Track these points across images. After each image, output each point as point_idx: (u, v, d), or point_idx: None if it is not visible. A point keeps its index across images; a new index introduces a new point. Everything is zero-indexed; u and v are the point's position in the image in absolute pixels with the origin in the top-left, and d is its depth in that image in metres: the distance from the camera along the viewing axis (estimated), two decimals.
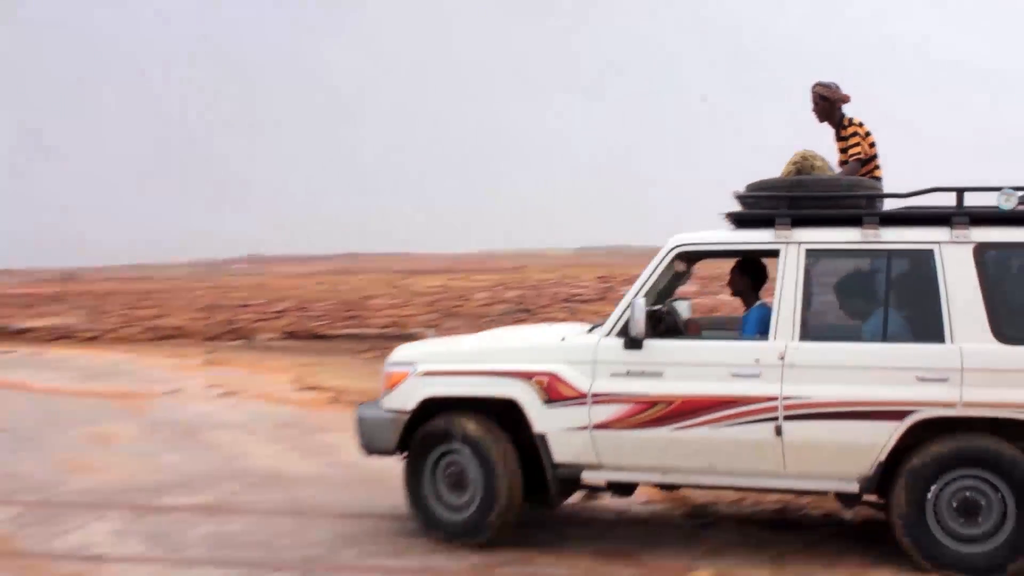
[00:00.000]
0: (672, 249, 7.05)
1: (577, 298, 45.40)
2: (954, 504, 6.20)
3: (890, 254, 6.65)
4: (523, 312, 38.12)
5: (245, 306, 45.95)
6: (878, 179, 7.94)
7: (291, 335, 32.93)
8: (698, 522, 8.05)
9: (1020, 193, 6.49)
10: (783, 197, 6.89)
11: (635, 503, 8.71)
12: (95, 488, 9.36)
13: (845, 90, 7.94)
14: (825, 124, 8.05)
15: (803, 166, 7.29)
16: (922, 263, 6.52)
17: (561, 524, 7.94)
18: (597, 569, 6.73)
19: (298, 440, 12.18)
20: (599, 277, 65.93)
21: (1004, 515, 6.04)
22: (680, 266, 7.25)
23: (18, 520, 8.12)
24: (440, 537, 7.24)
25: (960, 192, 6.63)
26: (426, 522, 7.35)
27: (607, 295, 46.98)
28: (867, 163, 7.89)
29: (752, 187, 7.18)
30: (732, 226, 7.23)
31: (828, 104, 7.91)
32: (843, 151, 7.88)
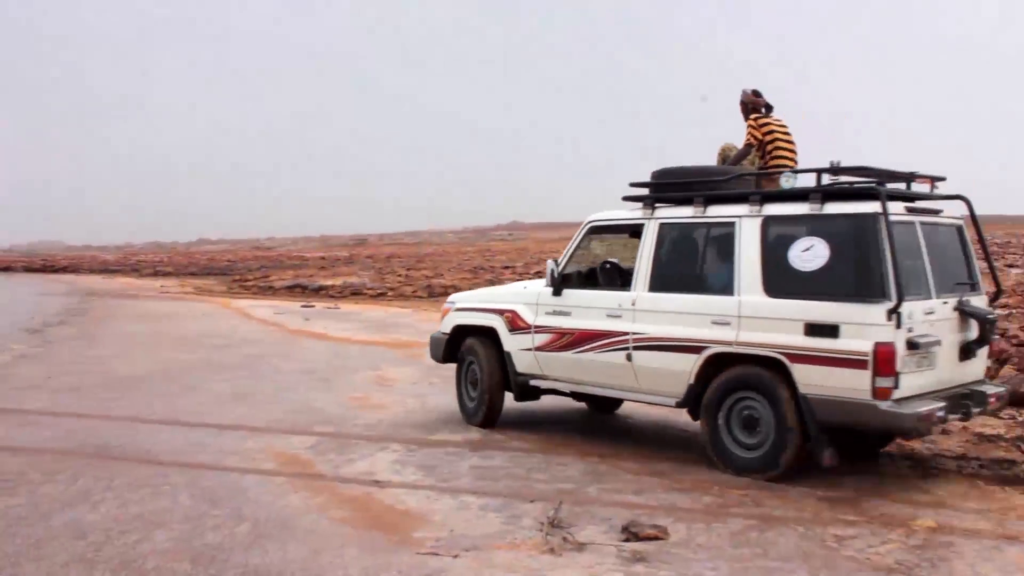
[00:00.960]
0: (587, 224, 9.05)
1: None
2: (739, 420, 7.53)
3: (710, 226, 7.91)
4: None
5: (507, 267, 47.00)
6: (778, 165, 8.53)
7: None
8: (922, 473, 7.74)
9: (798, 176, 7.65)
10: (648, 184, 8.49)
11: (860, 456, 8.48)
12: (378, 423, 9.87)
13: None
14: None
15: (724, 155, 9.04)
16: (728, 232, 7.69)
17: (790, 471, 7.82)
18: (822, 514, 6.60)
19: None
20: None
21: (769, 427, 7.29)
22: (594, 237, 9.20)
23: (315, 448, 8.66)
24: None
25: (758, 176, 8.22)
26: (462, 407, 10.06)
27: None
28: (754, 150, 8.79)
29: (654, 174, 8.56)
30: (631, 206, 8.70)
31: (743, 106, 9.01)
32: None
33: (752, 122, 8.83)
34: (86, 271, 68.15)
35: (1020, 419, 9.84)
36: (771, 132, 8.76)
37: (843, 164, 7.39)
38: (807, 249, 7.22)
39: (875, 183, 7.35)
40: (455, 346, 10.02)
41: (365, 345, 17.20)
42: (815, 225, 7.26)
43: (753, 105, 8.99)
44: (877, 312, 6.76)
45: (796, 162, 8.68)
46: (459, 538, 6.02)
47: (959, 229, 8.02)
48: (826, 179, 7.39)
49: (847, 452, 7.57)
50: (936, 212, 7.87)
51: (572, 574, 5.42)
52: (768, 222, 7.50)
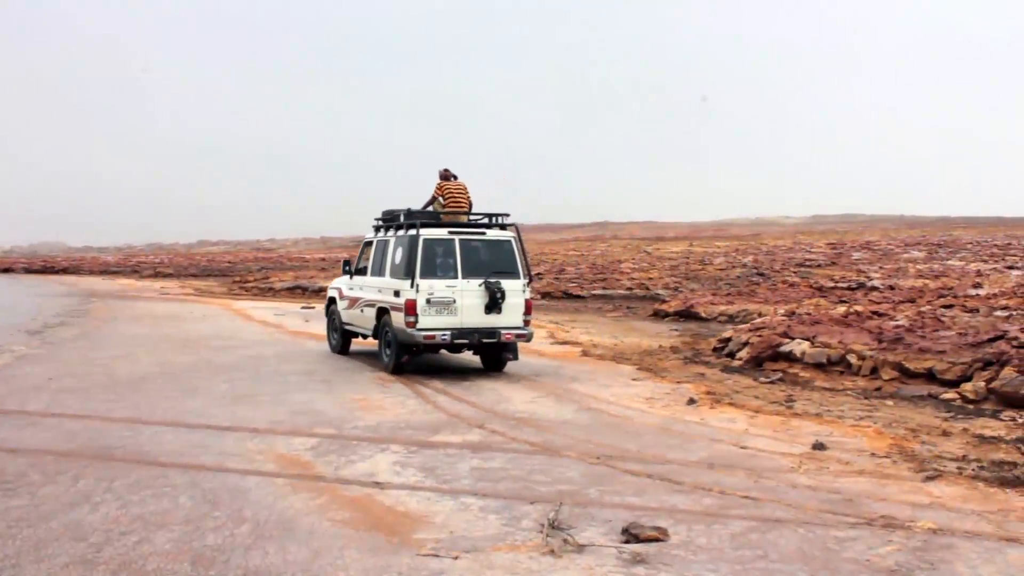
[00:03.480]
0: (365, 241, 16.10)
1: (809, 262, 43.95)
2: (384, 339, 14.34)
3: (400, 239, 14.18)
4: (758, 276, 37.26)
5: None
6: (454, 211, 14.55)
7: (547, 295, 33.49)
8: (923, 475, 7.75)
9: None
10: (382, 218, 15.45)
11: (862, 456, 8.49)
12: (379, 424, 9.88)
13: None
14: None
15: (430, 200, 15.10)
16: (411, 243, 13.59)
17: (793, 472, 7.83)
18: (823, 515, 6.61)
19: (552, 388, 12.46)
20: (829, 244, 63.64)
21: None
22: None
23: (316, 449, 8.67)
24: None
25: (405, 212, 14.48)
26: (329, 343, 17.50)
27: (838, 260, 45.26)
28: (437, 202, 14.87)
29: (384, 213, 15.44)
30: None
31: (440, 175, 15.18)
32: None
33: (438, 185, 14.95)
34: (87, 272, 68.20)
35: (1020, 421, 9.87)
36: (448, 192, 14.83)
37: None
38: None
39: (417, 223, 13.71)
40: (328, 307, 17.49)
41: (365, 347, 17.21)
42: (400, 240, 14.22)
43: (442, 175, 15.08)
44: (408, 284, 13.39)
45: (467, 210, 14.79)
46: (459, 539, 6.03)
47: (509, 241, 14.02)
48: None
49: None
50: (482, 233, 13.96)
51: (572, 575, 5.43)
52: (411, 237, 13.72)
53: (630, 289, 34.70)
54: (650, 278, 38.19)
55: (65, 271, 70.29)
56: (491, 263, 13.68)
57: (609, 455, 8.46)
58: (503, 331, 13.46)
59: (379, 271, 14.71)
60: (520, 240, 14.10)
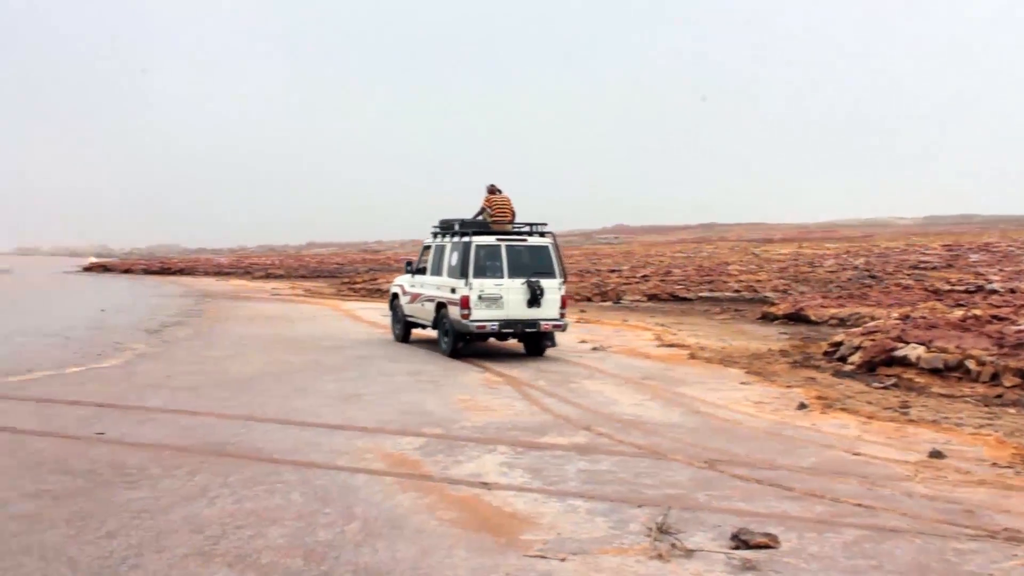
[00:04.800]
0: (425, 245, 18.35)
1: (924, 265, 42.69)
2: (443, 328, 16.61)
3: (455, 244, 16.45)
4: (870, 278, 36.36)
5: (613, 271, 46.81)
6: (500, 220, 16.96)
7: (653, 297, 33.25)
8: None
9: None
10: (439, 226, 17.84)
11: (983, 465, 8.21)
12: (486, 425, 9.95)
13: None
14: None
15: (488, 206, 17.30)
16: (465, 248, 15.93)
17: (909, 481, 7.63)
18: (942, 526, 6.41)
19: (659, 391, 12.37)
20: (945, 245, 61.72)
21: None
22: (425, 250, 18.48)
23: (424, 449, 8.77)
24: None
25: (459, 222, 16.99)
26: (393, 332, 20.10)
27: (954, 262, 43.87)
28: (485, 212, 17.12)
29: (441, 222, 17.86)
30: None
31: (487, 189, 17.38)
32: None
33: (487, 199, 17.20)
34: (201, 273, 70.23)
35: None
36: (496, 204, 17.09)
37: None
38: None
39: (470, 232, 16.29)
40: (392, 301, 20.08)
41: (481, 347, 17.35)
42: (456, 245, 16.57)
43: (490, 189, 17.30)
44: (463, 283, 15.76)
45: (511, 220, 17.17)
46: (566, 541, 6.03)
47: (547, 247, 16.43)
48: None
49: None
50: (524, 240, 16.39)
51: None
52: (468, 243, 15.99)
53: (737, 291, 34.24)
54: (758, 280, 37.62)
55: (181, 272, 72.49)
56: (532, 265, 16.16)
57: (717, 459, 8.36)
58: (542, 322, 16.04)
59: (437, 271, 17.30)
60: (556, 245, 16.65)
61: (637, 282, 39.04)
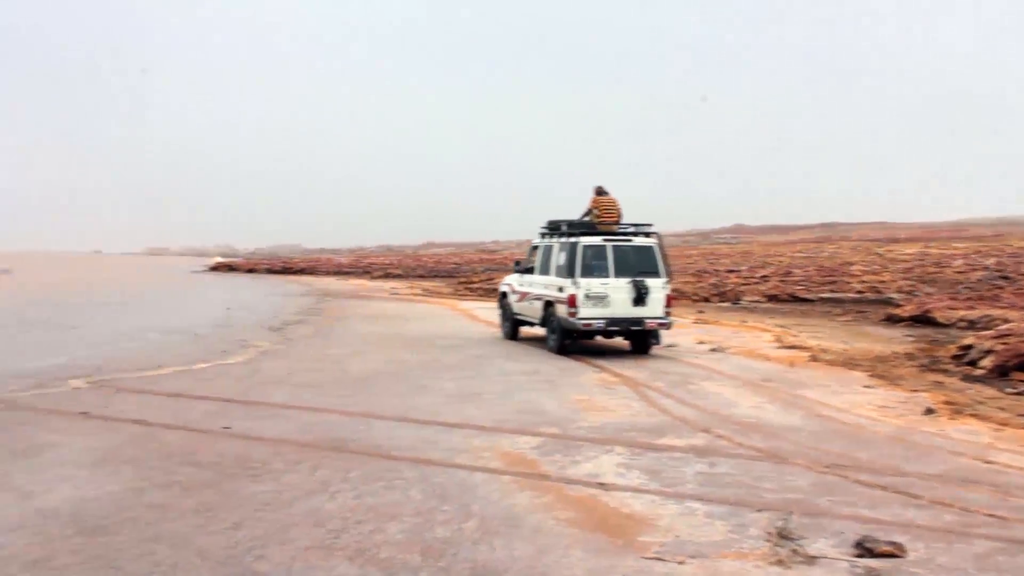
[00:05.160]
0: (533, 245, 18.84)
1: None
2: (551, 325, 17.22)
3: (563, 244, 16.95)
4: (1002, 279, 35.00)
5: (732, 271, 46.15)
6: (606, 221, 17.25)
7: (773, 298, 32.67)
8: None
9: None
10: (547, 227, 18.33)
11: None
12: (603, 426, 9.91)
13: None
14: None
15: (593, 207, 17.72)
16: (572, 248, 16.52)
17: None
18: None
19: (779, 393, 12.14)
20: None
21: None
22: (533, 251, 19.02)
23: (541, 448, 8.79)
24: None
25: (567, 223, 17.60)
26: (503, 330, 20.48)
27: None
28: (592, 213, 17.49)
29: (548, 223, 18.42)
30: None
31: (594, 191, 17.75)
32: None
33: (593, 200, 17.55)
34: (322, 273, 71.78)
35: None
36: (603, 206, 17.42)
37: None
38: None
39: (575, 232, 16.95)
40: (501, 300, 20.54)
41: (595, 346, 17.34)
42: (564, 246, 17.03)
43: (597, 191, 17.67)
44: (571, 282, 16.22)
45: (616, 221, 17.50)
46: (684, 544, 5.97)
47: (652, 247, 16.83)
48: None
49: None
50: (629, 240, 16.85)
51: None
52: (574, 243, 16.61)
53: (860, 292, 33.37)
54: (882, 281, 36.60)
55: (302, 272, 74.22)
56: (637, 264, 16.59)
57: (840, 464, 8.16)
58: (647, 320, 16.42)
59: (545, 270, 17.91)
60: (661, 246, 17.03)
61: (756, 282, 38.43)
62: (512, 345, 18.38)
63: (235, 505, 6.77)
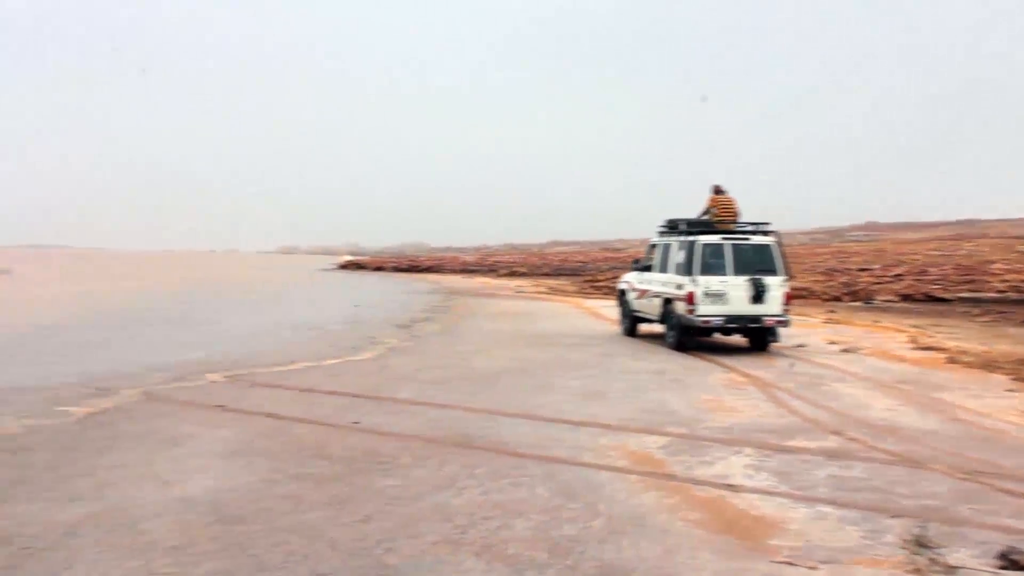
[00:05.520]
0: (651, 244, 19.26)
1: None
2: (671, 322, 17.45)
3: (681, 243, 17.16)
4: None
5: (863, 270, 44.91)
6: (724, 219, 17.47)
7: (907, 297, 31.66)
8: None
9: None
10: (665, 225, 18.64)
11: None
12: (732, 426, 9.76)
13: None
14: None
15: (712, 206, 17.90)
16: (690, 246, 16.70)
17: None
18: None
19: (915, 396, 11.75)
20: None
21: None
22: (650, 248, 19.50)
23: (667, 448, 8.71)
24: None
25: (685, 221, 17.84)
26: (621, 326, 20.91)
27: None
28: (710, 212, 17.70)
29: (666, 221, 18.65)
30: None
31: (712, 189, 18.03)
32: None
33: (711, 199, 17.77)
34: (448, 271, 72.70)
35: None
36: (721, 204, 17.62)
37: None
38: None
39: (694, 231, 17.25)
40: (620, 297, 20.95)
41: (720, 344, 17.12)
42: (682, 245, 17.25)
43: (715, 190, 17.92)
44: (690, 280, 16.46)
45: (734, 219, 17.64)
46: (816, 549, 5.83)
47: (770, 245, 16.89)
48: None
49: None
50: (747, 238, 16.93)
51: None
52: (691, 241, 16.86)
53: (1002, 292, 32.08)
54: None
55: (428, 270, 75.27)
56: (755, 262, 16.76)
57: (981, 471, 7.84)
58: (765, 318, 16.59)
59: (663, 268, 18.21)
60: (780, 244, 17.13)
61: (889, 281, 37.32)
62: (637, 343, 18.29)
63: (365, 498, 6.91)
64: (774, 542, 5.97)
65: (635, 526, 6.26)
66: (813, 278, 39.15)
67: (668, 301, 17.47)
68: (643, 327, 19.79)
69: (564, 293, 39.75)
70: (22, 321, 23.96)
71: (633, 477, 7.59)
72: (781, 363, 15.18)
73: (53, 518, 6.39)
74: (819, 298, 32.47)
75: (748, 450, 8.59)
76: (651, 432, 9.39)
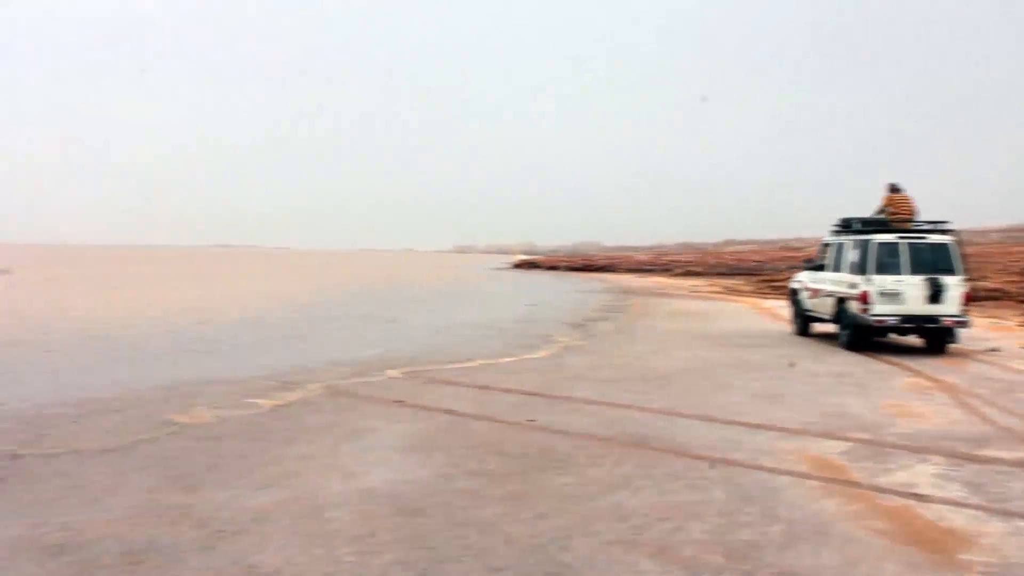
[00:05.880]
0: (824, 243, 19.34)
1: None
2: (842, 319, 17.54)
3: (856, 241, 17.17)
4: None
5: None
6: (900, 218, 17.36)
7: None
8: None
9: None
10: (839, 224, 18.54)
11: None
12: (918, 433, 9.36)
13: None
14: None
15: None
16: (864, 245, 16.73)
17: None
18: None
19: None
20: None
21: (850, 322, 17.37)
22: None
23: (849, 454, 8.41)
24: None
25: (859, 220, 17.90)
26: (793, 325, 20.97)
27: None
28: (885, 211, 17.68)
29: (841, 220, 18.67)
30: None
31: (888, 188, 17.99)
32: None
33: (887, 198, 17.66)
34: (621, 270, 72.53)
35: None
36: (898, 203, 17.50)
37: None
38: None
39: (869, 229, 17.24)
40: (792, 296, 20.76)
41: (900, 347, 16.47)
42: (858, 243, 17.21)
43: (891, 188, 17.83)
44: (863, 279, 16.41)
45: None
46: (1013, 567, 5.53)
47: (948, 244, 16.58)
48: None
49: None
50: (924, 237, 16.66)
51: None
52: (866, 241, 16.78)
53: None
54: None
55: (602, 269, 75.28)
56: (932, 262, 16.46)
57: None
58: (943, 318, 16.24)
59: (836, 267, 18.08)
60: (959, 243, 16.79)
61: None
62: (816, 345, 17.83)
63: (540, 496, 6.96)
64: (966, 557, 5.69)
65: (815, 533, 6.09)
66: (1008, 278, 37.11)
67: (841, 300, 17.40)
68: (816, 327, 19.73)
69: (740, 293, 39.08)
70: (216, 319, 25.28)
71: (813, 483, 7.39)
72: (972, 368, 14.46)
73: (244, 504, 6.71)
74: (1014, 300, 30.75)
75: (936, 458, 8.23)
76: (832, 437, 9.11)
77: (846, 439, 9.03)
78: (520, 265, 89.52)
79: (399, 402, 11.01)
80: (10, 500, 6.88)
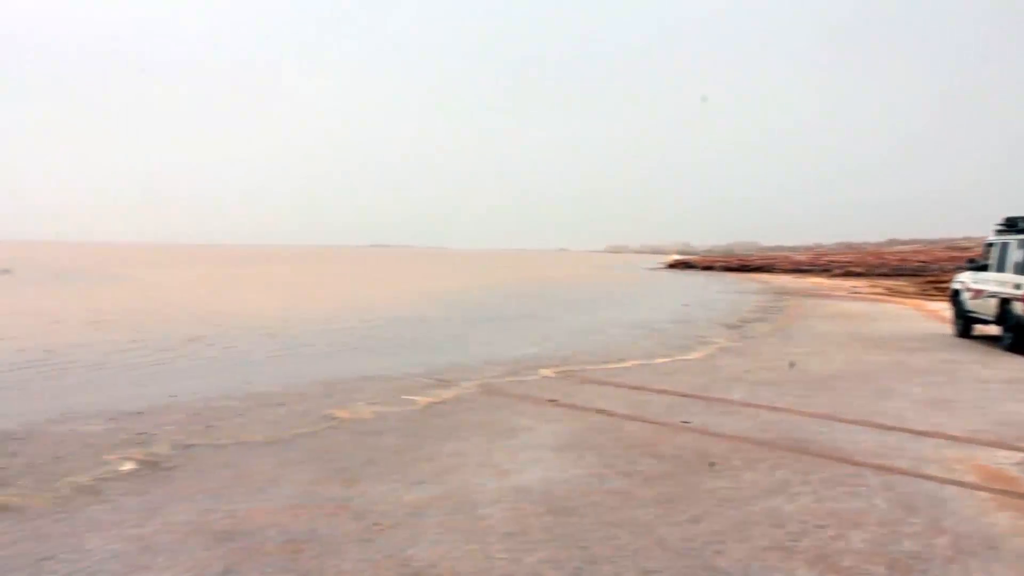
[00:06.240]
0: (987, 243, 18.58)
1: None
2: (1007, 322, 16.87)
3: (1022, 241, 16.67)
4: None
5: None
6: None
7: None
8: None
9: None
10: (1003, 223, 17.90)
11: None
12: None
13: None
14: None
15: None
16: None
17: None
18: None
19: None
20: None
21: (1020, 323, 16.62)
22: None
23: (1023, 464, 8.03)
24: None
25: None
26: (954, 328, 20.33)
27: None
28: None
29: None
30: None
31: None
32: None
33: None
34: (778, 271, 71.01)
35: None
36: None
37: None
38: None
39: None
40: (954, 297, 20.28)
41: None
42: None
43: None
44: None
45: None
46: None
47: None
48: None
49: None
50: None
51: None
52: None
53: None
54: None
55: (759, 269, 73.86)
56: None
57: None
58: None
59: (1000, 267, 17.54)
60: None
61: None
62: (984, 349, 17.04)
63: (694, 499, 6.88)
64: None
65: (986, 548, 5.81)
66: None
67: (1005, 301, 16.87)
68: (978, 328, 19.16)
69: (903, 294, 37.70)
70: (376, 317, 25.96)
71: (983, 494, 7.05)
72: None
73: (400, 498, 6.87)
74: None
75: None
76: (1004, 447, 8.68)
77: (1019, 449, 8.59)
78: (674, 265, 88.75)
79: (552, 401, 11.07)
80: (181, 487, 7.23)
